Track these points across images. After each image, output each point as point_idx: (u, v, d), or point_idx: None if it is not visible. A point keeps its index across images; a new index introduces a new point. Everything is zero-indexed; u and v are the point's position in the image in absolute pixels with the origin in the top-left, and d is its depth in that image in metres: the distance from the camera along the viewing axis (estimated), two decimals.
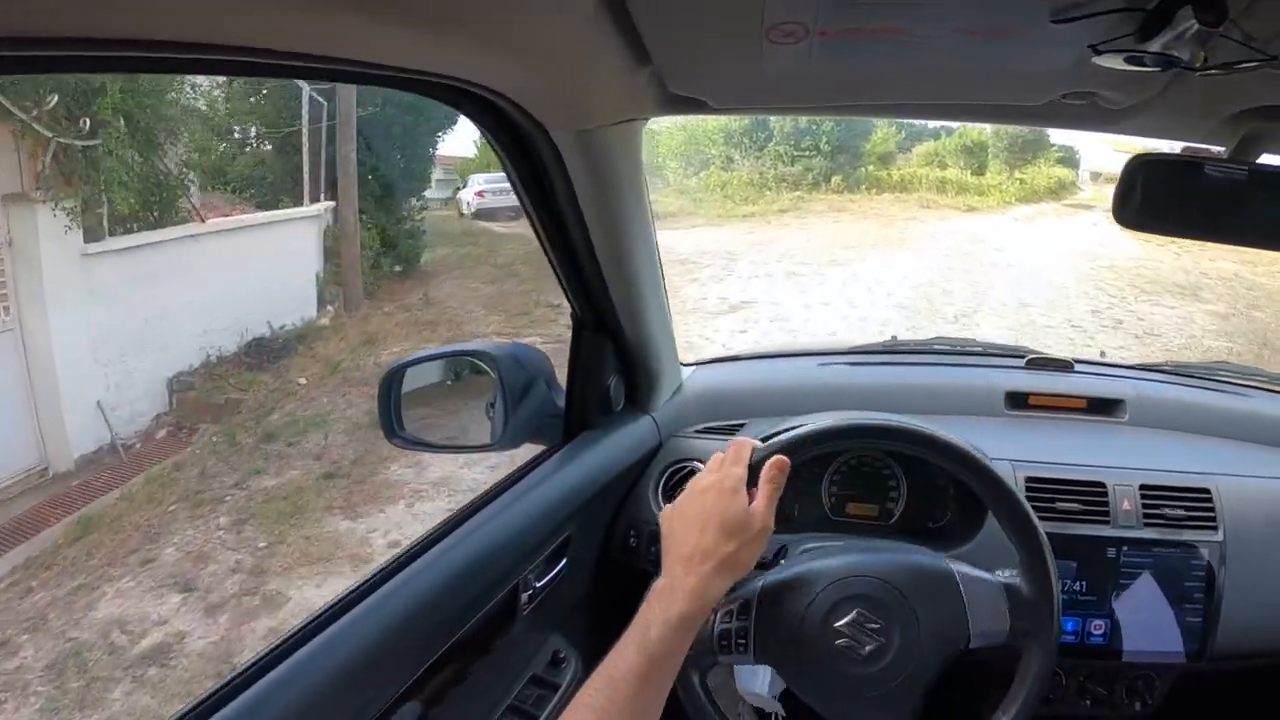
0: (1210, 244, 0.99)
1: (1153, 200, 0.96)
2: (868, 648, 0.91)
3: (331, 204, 9.35)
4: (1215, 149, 1.02)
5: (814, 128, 17.13)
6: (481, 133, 0.93)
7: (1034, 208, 16.95)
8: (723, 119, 16.23)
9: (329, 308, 8.83)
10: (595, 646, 1.27)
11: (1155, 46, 0.66)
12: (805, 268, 11.78)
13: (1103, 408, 1.53)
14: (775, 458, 0.91)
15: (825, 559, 0.98)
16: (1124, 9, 0.63)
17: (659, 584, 0.85)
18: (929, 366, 1.65)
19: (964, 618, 0.93)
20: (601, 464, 1.28)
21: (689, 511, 0.88)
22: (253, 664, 0.80)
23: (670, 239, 11.92)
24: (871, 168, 17.81)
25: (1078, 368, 1.61)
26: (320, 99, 9.35)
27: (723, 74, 0.90)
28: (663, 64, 0.87)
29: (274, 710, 0.76)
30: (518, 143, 0.97)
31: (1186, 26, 0.61)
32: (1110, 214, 0.96)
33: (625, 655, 0.79)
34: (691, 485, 0.90)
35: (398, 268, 10.48)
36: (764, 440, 0.97)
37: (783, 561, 1.03)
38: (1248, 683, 1.32)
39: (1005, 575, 0.97)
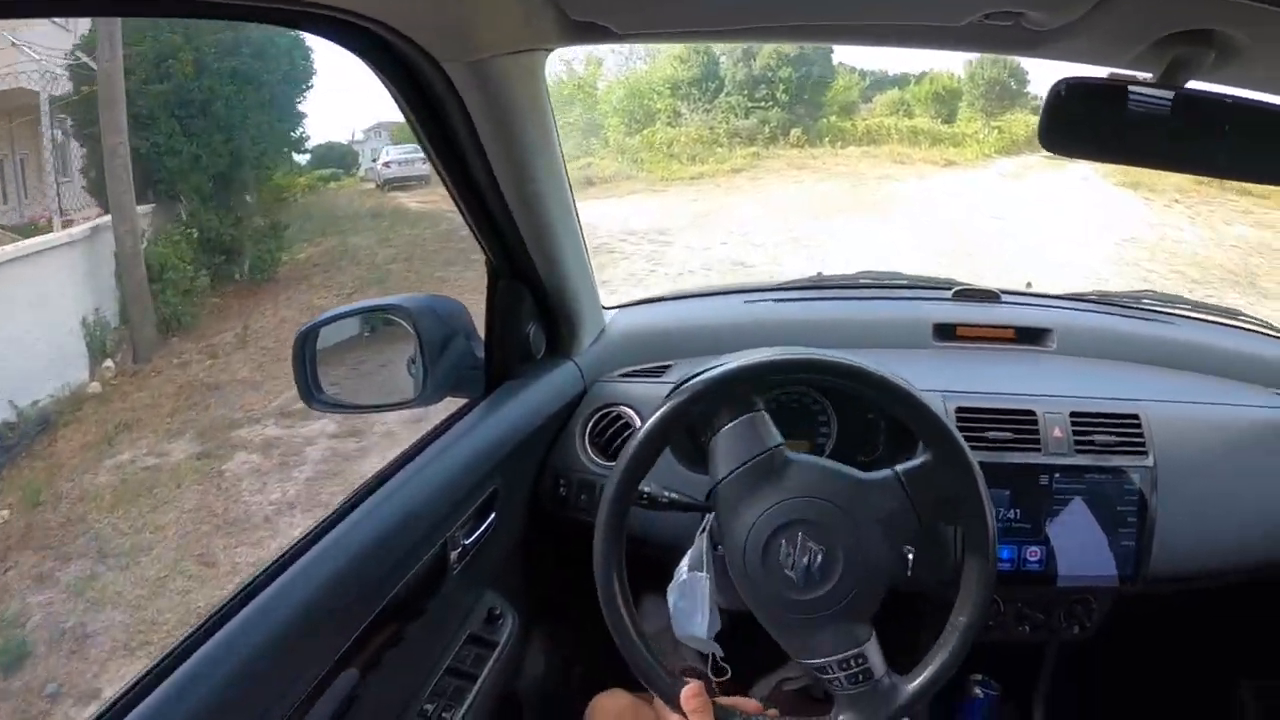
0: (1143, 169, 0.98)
1: (1079, 124, 0.94)
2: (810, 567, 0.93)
3: (103, 219, 6.79)
4: (1143, 75, 1.00)
5: (769, 75, 16.02)
6: (372, 71, 0.88)
7: (1017, 160, 14.82)
8: (668, 69, 15.70)
9: (110, 363, 6.41)
10: (530, 601, 1.28)
11: None
12: (757, 252, 9.74)
13: (1031, 337, 1.54)
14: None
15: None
16: None
17: None
18: (855, 301, 1.64)
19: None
20: (525, 413, 1.25)
21: None
22: (180, 643, 0.78)
23: (595, 213, 10.36)
24: (834, 118, 16.45)
25: (1004, 298, 1.61)
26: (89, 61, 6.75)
27: None
28: None
29: (205, 688, 0.74)
30: (411, 80, 0.92)
31: None
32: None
33: None
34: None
35: (242, 277, 8.17)
36: (688, 379, 0.98)
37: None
38: (1182, 604, 1.35)
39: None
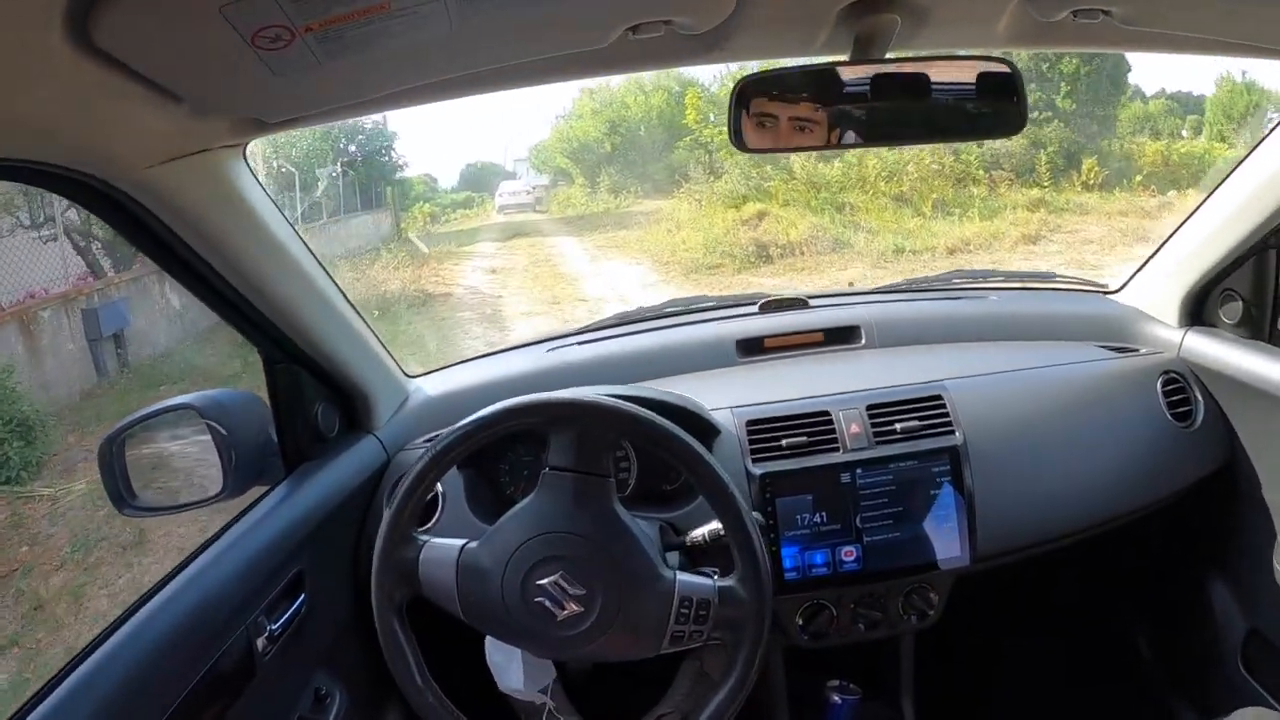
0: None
1: (766, 122, 0.93)
2: (565, 612, 0.94)
3: None
4: (839, 57, 0.97)
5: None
6: (69, 200, 0.89)
7: None
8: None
9: None
10: (366, 677, 1.26)
11: None
12: None
13: (840, 336, 1.53)
14: None
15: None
16: None
17: None
18: (661, 330, 1.61)
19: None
20: (325, 492, 1.22)
21: None
22: None
23: None
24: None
25: (813, 302, 1.60)
26: None
27: (245, 92, 0.81)
28: (191, 97, 0.79)
29: None
30: (101, 201, 0.89)
31: None
32: None
33: None
34: None
35: None
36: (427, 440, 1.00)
37: None
38: (1022, 571, 1.34)
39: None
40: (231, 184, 1.00)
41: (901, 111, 0.94)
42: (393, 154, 13.97)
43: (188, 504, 1.28)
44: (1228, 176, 1.30)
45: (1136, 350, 1.45)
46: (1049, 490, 1.28)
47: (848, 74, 0.92)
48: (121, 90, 0.71)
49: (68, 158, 0.80)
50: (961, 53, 0.96)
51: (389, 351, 1.39)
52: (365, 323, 1.31)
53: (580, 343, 1.58)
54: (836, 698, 1.35)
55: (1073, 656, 1.72)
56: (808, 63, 0.96)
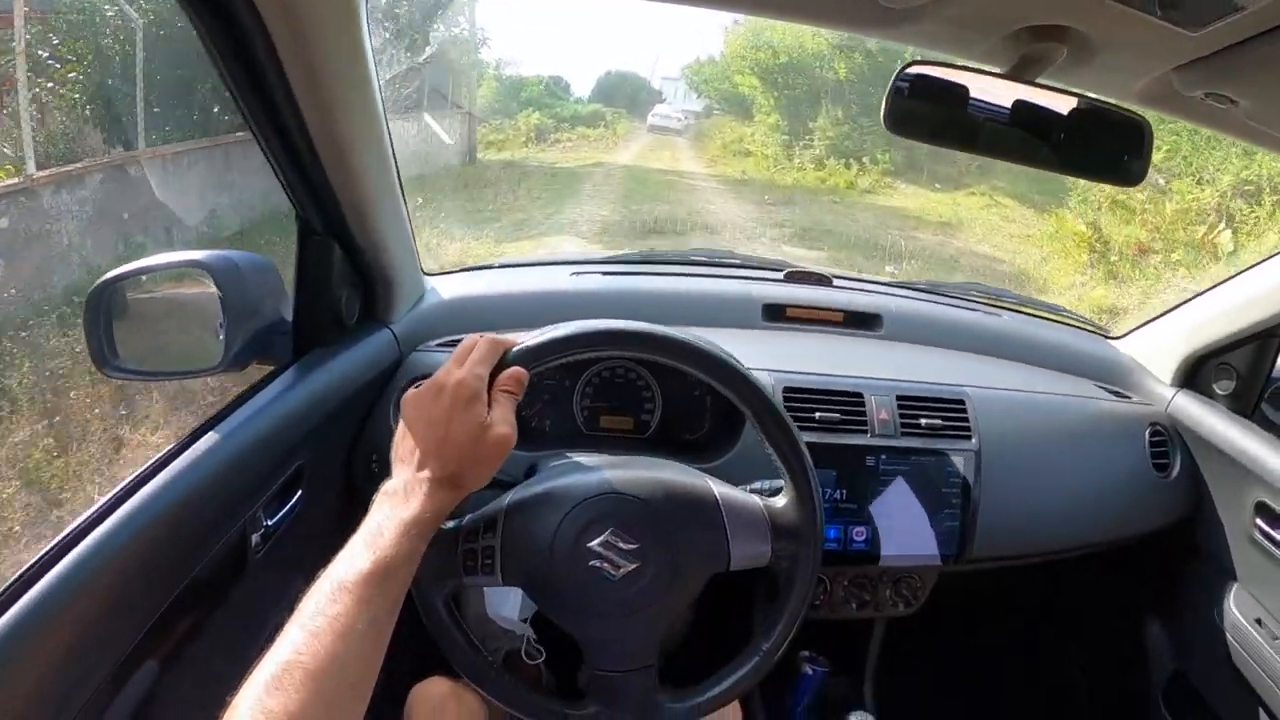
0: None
1: (920, 110, 0.96)
2: (622, 570, 0.84)
3: None
4: (993, 68, 1.00)
5: None
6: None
7: None
8: None
9: None
10: None
11: None
12: None
13: (860, 321, 1.56)
14: (512, 370, 0.82)
15: (577, 474, 0.90)
16: None
17: (388, 485, 0.77)
18: (686, 277, 1.61)
19: (724, 541, 0.87)
20: (335, 383, 1.15)
21: (424, 413, 0.79)
22: None
23: None
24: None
25: (836, 282, 1.63)
26: None
27: None
28: None
29: None
30: (212, 9, 0.82)
31: None
32: None
33: (356, 560, 0.71)
34: (434, 380, 0.80)
35: None
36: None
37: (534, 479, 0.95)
38: (1004, 580, 1.42)
39: (768, 497, 0.92)
40: (353, 24, 0.93)
41: (1041, 135, 0.98)
42: (476, 35, 11.17)
43: (179, 372, 1.22)
44: (1259, 262, 1.39)
45: (1129, 398, 1.55)
46: (1041, 508, 1.36)
47: (1004, 87, 0.95)
48: None
49: None
50: (1102, 98, 1.00)
51: (416, 244, 1.34)
52: (407, 212, 1.26)
53: (604, 273, 1.56)
54: (808, 669, 1.42)
55: (1017, 669, 1.84)
56: (967, 65, 0.98)
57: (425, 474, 0.76)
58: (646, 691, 0.87)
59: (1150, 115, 1.00)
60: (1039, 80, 0.96)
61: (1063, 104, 0.97)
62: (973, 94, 0.94)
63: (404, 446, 0.79)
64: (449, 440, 0.77)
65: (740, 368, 0.90)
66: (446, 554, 0.84)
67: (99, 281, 1.06)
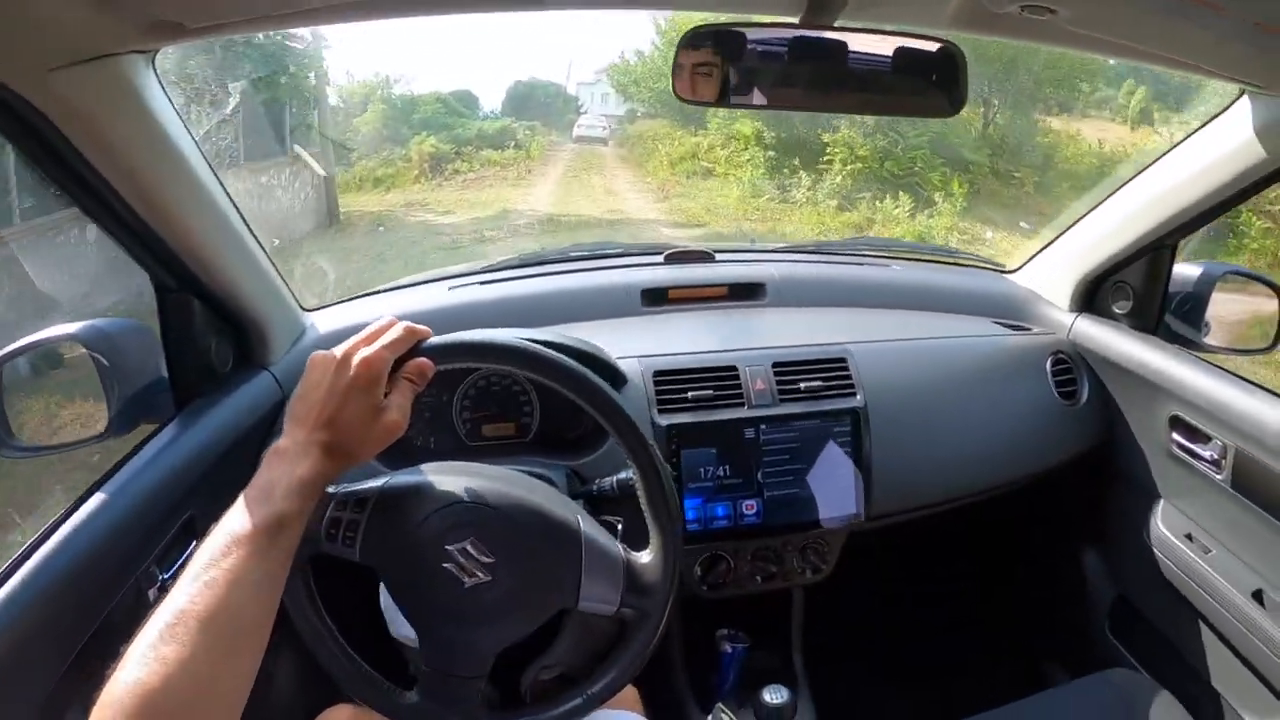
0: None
1: (705, 75, 0.94)
2: (471, 580, 0.84)
3: None
4: (789, 19, 0.96)
5: None
6: None
7: None
8: None
9: None
10: None
11: None
12: None
13: (744, 292, 1.54)
14: (420, 360, 0.84)
15: (455, 477, 0.90)
16: None
17: (279, 444, 0.78)
18: (564, 275, 1.60)
19: (577, 578, 0.87)
20: (218, 430, 1.16)
21: (325, 380, 0.80)
22: None
23: None
24: None
25: (719, 256, 1.61)
26: None
27: None
28: None
29: None
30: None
31: None
32: None
33: (248, 514, 0.72)
34: (344, 350, 0.82)
35: None
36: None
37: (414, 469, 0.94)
38: (927, 531, 1.40)
39: (632, 551, 0.91)
40: (139, 94, 0.93)
41: (844, 79, 0.95)
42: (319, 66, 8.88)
43: (70, 443, 1.19)
44: (1135, 175, 1.36)
45: (1029, 329, 1.52)
46: (942, 455, 1.34)
47: (794, 37, 0.92)
48: None
49: None
50: (909, 30, 0.97)
51: (286, 283, 1.33)
52: (264, 251, 1.25)
53: (482, 282, 1.55)
54: (727, 646, 1.40)
55: (951, 617, 1.81)
56: (756, 20, 0.95)
57: (317, 438, 0.77)
58: (469, 700, 0.87)
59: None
60: (835, 24, 0.93)
61: (869, 45, 0.94)
62: (759, 47, 0.90)
63: (300, 406, 0.80)
64: (342, 414, 0.78)
65: (630, 420, 0.89)
66: (313, 518, 0.83)
67: None
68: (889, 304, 1.55)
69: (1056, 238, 1.57)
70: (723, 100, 0.95)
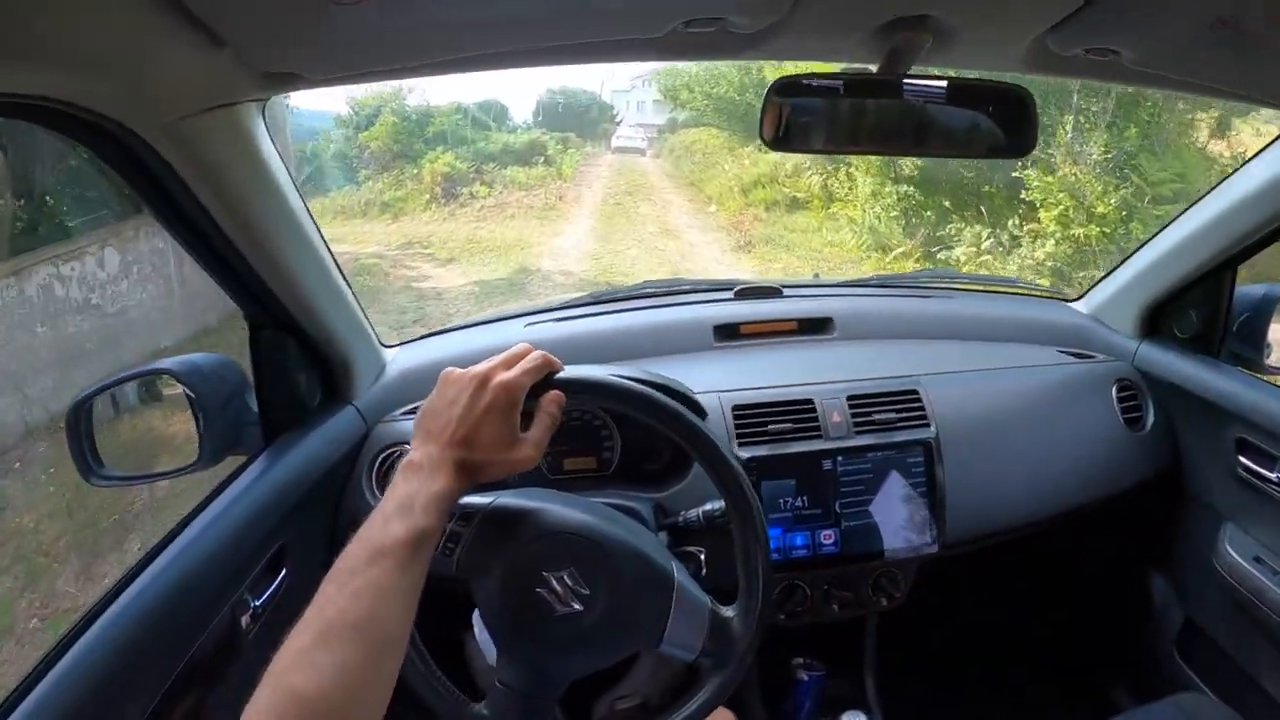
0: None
1: (800, 122, 0.96)
2: (562, 610, 0.86)
3: None
4: (870, 67, 1.00)
5: None
6: (83, 146, 0.83)
7: None
8: None
9: None
10: None
11: None
12: None
13: (813, 327, 1.57)
14: (557, 393, 0.86)
15: (565, 507, 0.92)
16: None
17: (413, 457, 0.79)
18: (638, 311, 1.63)
19: (664, 621, 0.89)
20: (305, 463, 1.20)
21: (461, 398, 0.81)
22: None
23: None
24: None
25: (786, 292, 1.64)
26: None
27: (294, 43, 0.80)
28: (237, 43, 0.78)
29: None
30: (117, 149, 0.86)
31: None
32: None
33: (390, 526, 0.72)
34: (480, 371, 0.83)
35: None
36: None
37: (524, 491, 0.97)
38: (996, 559, 1.41)
39: (720, 605, 0.92)
40: (250, 140, 0.98)
41: (924, 124, 0.98)
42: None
43: (160, 473, 1.25)
44: (1196, 202, 1.38)
45: (1094, 357, 1.54)
46: (1012, 484, 1.36)
47: (880, 84, 0.95)
48: (171, 31, 0.70)
49: (101, 101, 0.77)
50: (980, 75, 1.00)
51: (369, 320, 1.37)
52: (351, 291, 1.30)
53: (558, 319, 1.58)
54: (803, 675, 1.42)
55: (1020, 642, 1.82)
56: (836, 69, 0.99)
57: (451, 455, 0.78)
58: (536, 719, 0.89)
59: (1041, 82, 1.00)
60: (914, 71, 0.96)
61: (941, 90, 0.97)
62: (848, 96, 0.94)
63: (432, 421, 0.81)
64: (479, 435, 0.79)
65: (748, 488, 0.92)
66: None
67: (75, 399, 1.10)
68: (954, 335, 1.58)
69: (1119, 264, 1.59)
70: (810, 147, 0.98)
